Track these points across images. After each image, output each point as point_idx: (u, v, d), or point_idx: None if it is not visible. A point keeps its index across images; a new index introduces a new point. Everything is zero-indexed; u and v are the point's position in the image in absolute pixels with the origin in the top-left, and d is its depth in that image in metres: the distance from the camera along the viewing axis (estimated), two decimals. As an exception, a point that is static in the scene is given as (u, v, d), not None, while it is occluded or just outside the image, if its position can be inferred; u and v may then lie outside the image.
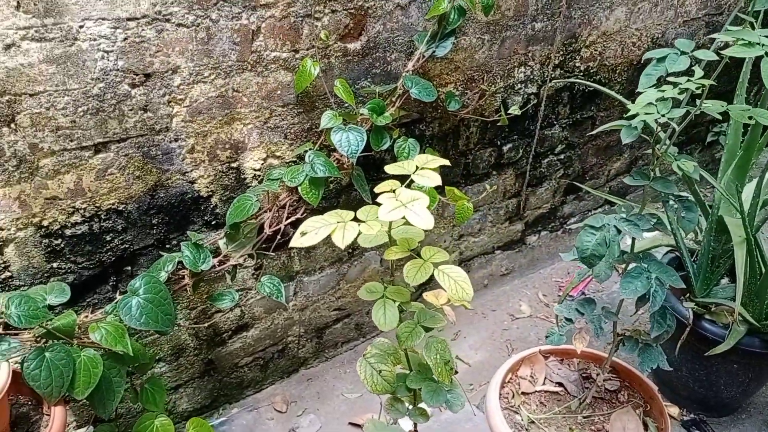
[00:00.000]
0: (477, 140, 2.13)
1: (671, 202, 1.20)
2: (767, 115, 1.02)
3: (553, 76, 2.18)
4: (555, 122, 2.34)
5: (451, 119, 1.99)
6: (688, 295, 1.78)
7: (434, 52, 1.69)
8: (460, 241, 2.33)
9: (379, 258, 2.10)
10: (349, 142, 1.52)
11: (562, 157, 2.46)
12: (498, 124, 2.03)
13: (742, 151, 1.72)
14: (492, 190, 1.89)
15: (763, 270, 1.55)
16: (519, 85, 2.11)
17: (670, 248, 1.90)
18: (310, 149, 1.59)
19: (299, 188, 1.53)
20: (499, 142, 2.20)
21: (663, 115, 1.04)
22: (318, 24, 1.56)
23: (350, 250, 2.03)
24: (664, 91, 1.01)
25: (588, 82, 2.05)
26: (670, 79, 1.02)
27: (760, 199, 1.55)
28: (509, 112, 1.94)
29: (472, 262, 2.44)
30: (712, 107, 1.03)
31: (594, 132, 1.41)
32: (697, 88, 1.00)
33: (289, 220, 1.59)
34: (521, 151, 2.29)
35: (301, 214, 1.60)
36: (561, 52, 2.16)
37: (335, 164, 1.59)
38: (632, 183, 1.16)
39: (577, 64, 2.24)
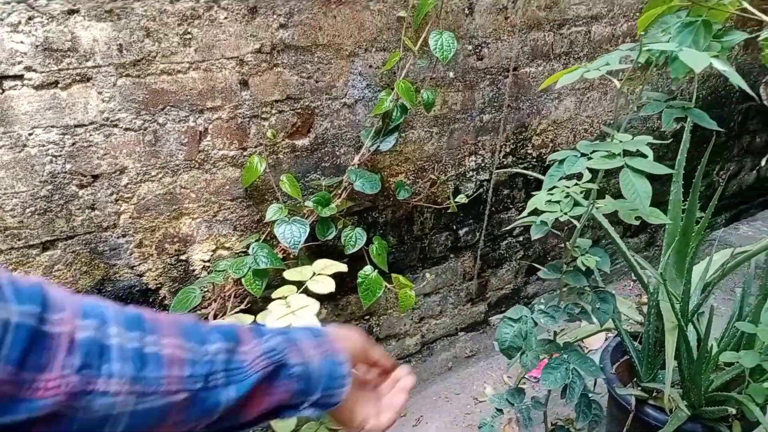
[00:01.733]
0: (432, 225, 2.19)
1: (586, 294, 1.25)
2: (657, 214, 1.08)
3: (505, 163, 2.27)
4: (511, 206, 2.41)
5: (404, 206, 2.06)
6: (635, 380, 1.80)
7: (379, 147, 1.78)
8: (421, 324, 2.36)
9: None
10: (292, 234, 1.59)
11: (521, 239, 2.52)
12: (449, 210, 2.10)
13: (680, 236, 1.78)
14: (431, 279, 1.94)
15: (695, 356, 1.57)
16: (470, 173, 2.19)
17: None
18: (256, 241, 1.65)
19: (243, 280, 1.59)
20: (454, 227, 2.26)
21: (566, 213, 1.11)
22: (265, 123, 1.65)
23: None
24: (552, 194, 1.08)
25: (529, 172, 2.13)
26: (560, 183, 1.09)
27: (692, 285, 1.59)
28: (457, 200, 2.01)
29: (435, 345, 2.45)
30: (604, 207, 1.10)
31: (508, 228, 1.46)
32: (581, 192, 1.07)
33: (234, 311, 1.63)
34: (478, 234, 2.35)
35: (246, 305, 1.65)
36: (512, 141, 2.25)
37: (281, 255, 1.65)
38: (545, 276, 1.21)
39: (529, 151, 2.33)
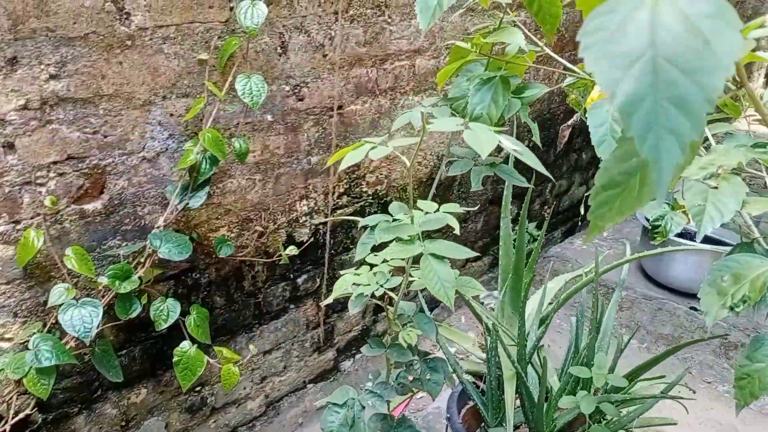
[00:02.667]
0: (266, 278, 2.02)
1: (415, 366, 1.15)
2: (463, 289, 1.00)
3: (340, 204, 2.16)
4: (351, 245, 2.30)
5: (230, 262, 1.88)
6: (482, 425, 1.74)
7: (188, 204, 1.58)
8: (264, 384, 2.17)
9: None
10: (82, 320, 1.35)
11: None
12: (281, 262, 1.94)
13: (512, 273, 1.75)
14: (255, 352, 1.78)
15: (536, 400, 1.54)
16: (303, 218, 2.05)
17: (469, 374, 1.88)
18: (39, 331, 1.39)
19: (24, 380, 1.32)
20: (292, 276, 2.11)
21: (381, 286, 0.99)
22: (42, 190, 1.40)
23: None
24: (359, 275, 0.97)
25: (359, 219, 2.03)
26: (370, 258, 0.98)
27: (528, 321, 1.56)
28: (287, 251, 1.86)
29: (281, 403, 2.27)
30: (419, 281, 1.00)
31: (328, 301, 1.37)
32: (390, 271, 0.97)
33: (16, 418, 1.36)
34: (318, 280, 2.21)
35: (31, 409, 1.38)
36: (345, 181, 2.14)
37: (74, 344, 1.40)
38: (368, 353, 1.10)
39: (364, 189, 2.24)
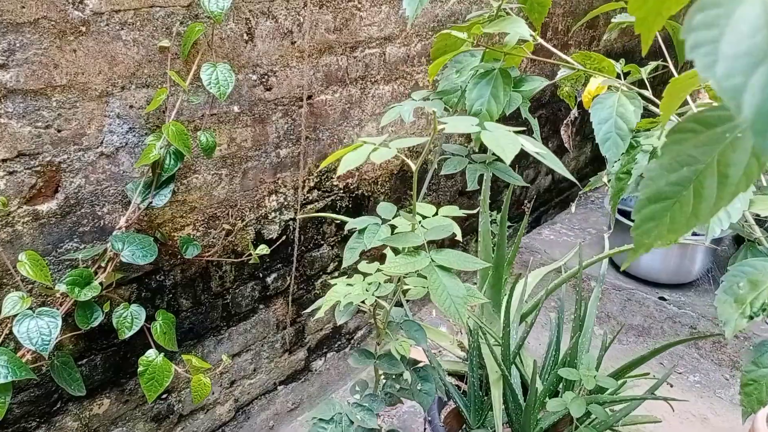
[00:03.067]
0: (234, 278, 1.92)
1: (404, 376, 1.09)
2: (475, 294, 0.94)
3: (310, 198, 2.07)
4: (322, 241, 2.22)
5: (197, 262, 1.78)
6: (464, 426, 1.69)
7: (151, 203, 1.48)
8: (233, 387, 2.08)
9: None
10: (39, 332, 1.24)
11: (336, 275, 2.34)
12: (251, 261, 1.85)
13: (493, 271, 1.70)
14: (228, 363, 1.69)
15: (522, 403, 1.49)
16: (273, 214, 1.96)
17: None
18: (-9, 345, 1.27)
19: (-25, 399, 1.21)
20: (261, 274, 2.02)
21: (372, 294, 0.92)
22: (-10, 190, 1.28)
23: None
24: (352, 285, 0.90)
25: (334, 215, 1.95)
26: (363, 266, 0.91)
27: (511, 327, 1.51)
28: (258, 251, 1.77)
29: (251, 406, 2.19)
30: (415, 291, 0.94)
31: (316, 316, 1.29)
32: (386, 280, 0.90)
33: (-34, 441, 1.24)
34: (288, 278, 2.13)
35: (-17, 431, 1.26)
36: (315, 174, 2.06)
37: (31, 357, 1.29)
38: (356, 364, 1.03)
39: (335, 183, 2.16)
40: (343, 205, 2.22)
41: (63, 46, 1.29)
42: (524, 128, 0.79)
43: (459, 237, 0.84)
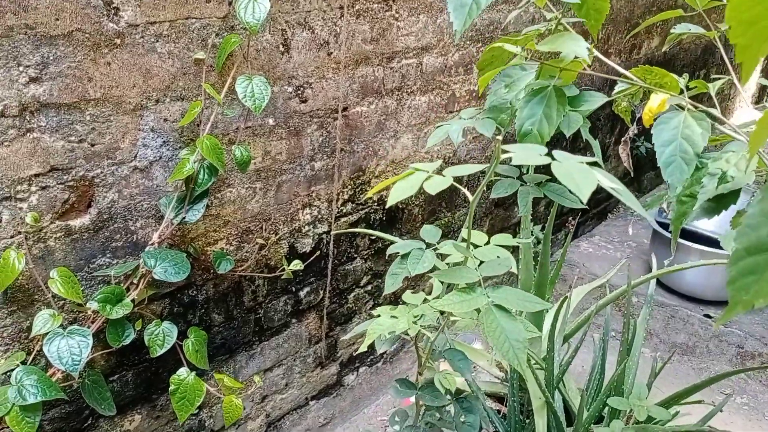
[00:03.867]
0: (267, 292, 1.89)
1: (447, 408, 1.03)
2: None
3: (344, 211, 2.03)
4: (356, 255, 2.17)
5: (230, 277, 1.74)
6: (503, 452, 1.62)
7: (185, 218, 1.44)
8: (264, 403, 2.04)
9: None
10: (69, 351, 1.21)
11: (369, 288, 2.29)
12: (283, 276, 1.81)
13: (535, 290, 1.63)
14: (260, 384, 1.65)
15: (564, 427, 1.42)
16: (306, 227, 1.92)
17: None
18: (22, 363, 1.25)
19: (7, 418, 1.18)
20: (294, 288, 1.98)
21: (415, 323, 0.87)
22: (23, 206, 1.26)
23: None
24: (396, 317, 0.85)
25: (370, 231, 1.90)
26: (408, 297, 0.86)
27: (555, 351, 1.44)
28: (291, 266, 1.73)
29: (282, 422, 2.15)
30: (462, 323, 0.88)
31: (362, 348, 1.24)
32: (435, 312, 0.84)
33: (-4, 461, 1.22)
34: (321, 292, 2.08)
35: (14, 451, 1.24)
36: (349, 187, 2.01)
37: (61, 376, 1.26)
38: (398, 396, 0.97)
39: (369, 195, 2.11)
40: (377, 218, 2.17)
41: (97, 58, 1.27)
42: (592, 158, 0.72)
43: (514, 269, 0.78)
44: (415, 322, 0.83)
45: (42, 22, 1.17)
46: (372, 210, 2.14)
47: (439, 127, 0.88)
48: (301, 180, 1.83)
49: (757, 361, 2.50)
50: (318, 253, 1.98)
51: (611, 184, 0.65)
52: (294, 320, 2.03)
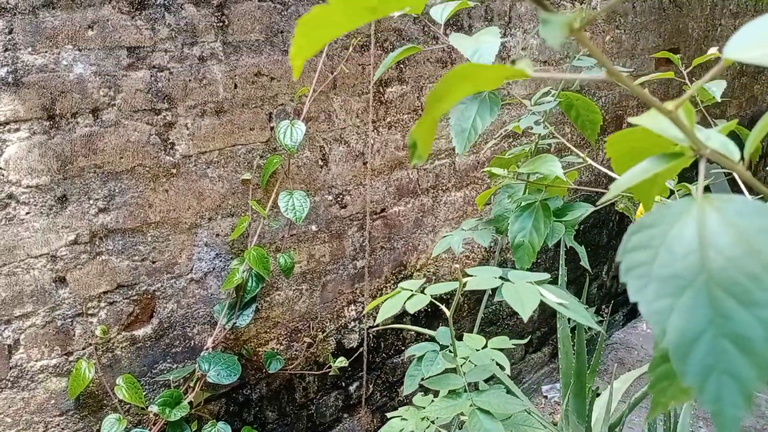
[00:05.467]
0: (317, 388, 1.97)
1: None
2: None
3: (388, 306, 2.12)
4: (403, 347, 2.24)
5: (281, 375, 1.84)
6: None
7: (236, 323, 1.58)
8: (320, 499, 2.08)
9: None
10: (132, 453, 1.33)
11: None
12: (330, 373, 1.90)
13: (575, 379, 1.65)
14: None
15: None
16: (352, 323, 2.02)
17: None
18: (91, 466, 1.37)
19: None
20: (343, 383, 2.06)
21: (432, 422, 0.94)
22: (93, 320, 1.42)
23: None
24: (406, 420, 0.92)
25: (408, 327, 1.98)
26: (418, 400, 0.94)
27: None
28: (336, 363, 1.82)
29: None
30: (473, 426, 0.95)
31: None
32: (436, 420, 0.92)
33: None
34: (371, 385, 2.15)
35: None
36: (392, 282, 2.12)
37: (125, 476, 1.37)
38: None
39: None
40: (422, 310, 2.25)
41: (156, 187, 1.46)
42: (544, 276, 0.81)
43: (508, 371, 0.85)
44: (424, 424, 0.90)
45: (108, 161, 1.37)
46: (416, 303, 2.22)
47: (443, 238, 0.98)
48: (345, 278, 1.95)
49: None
50: (365, 347, 2.06)
51: (557, 300, 0.73)
52: (346, 415, 2.09)
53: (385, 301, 0.88)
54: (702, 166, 0.36)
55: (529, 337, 2.78)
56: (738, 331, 0.30)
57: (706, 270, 0.31)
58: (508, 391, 1.56)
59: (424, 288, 0.86)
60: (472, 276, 0.73)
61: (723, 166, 0.39)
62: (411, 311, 0.84)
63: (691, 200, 0.34)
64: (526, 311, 0.67)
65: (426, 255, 2.21)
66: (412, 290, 0.87)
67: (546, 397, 2.93)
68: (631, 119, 0.42)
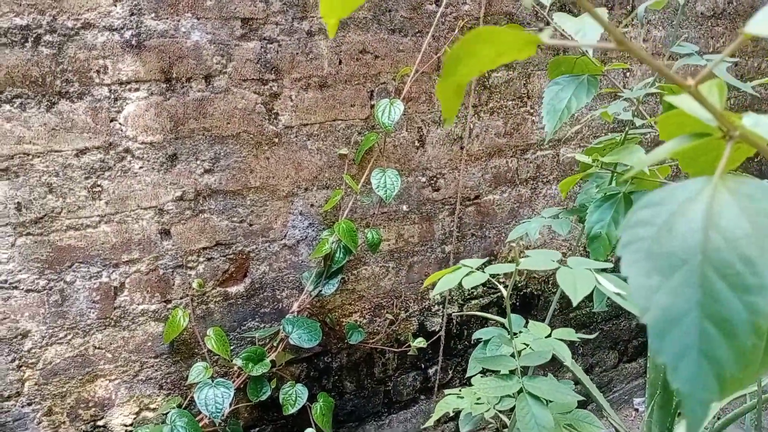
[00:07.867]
0: (396, 366, 2.00)
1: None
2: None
3: (474, 293, 2.11)
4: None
5: (361, 348, 1.89)
6: None
7: (321, 291, 1.63)
8: (390, 475, 2.11)
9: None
10: (215, 400, 1.42)
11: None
12: (410, 353, 1.92)
13: (661, 391, 1.57)
14: None
15: None
16: (436, 307, 2.03)
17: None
18: (178, 406, 1.48)
19: (160, 453, 1.40)
20: (423, 365, 2.07)
21: (494, 407, 0.94)
22: (192, 273, 1.52)
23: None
24: (462, 397, 0.92)
25: (491, 316, 1.96)
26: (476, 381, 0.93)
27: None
28: (416, 343, 1.84)
29: (407, 497, 2.20)
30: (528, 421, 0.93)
31: (429, 424, 1.29)
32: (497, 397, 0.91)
33: (150, 489, 1.44)
34: (451, 372, 2.15)
35: (163, 482, 1.45)
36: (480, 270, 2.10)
37: (208, 421, 1.47)
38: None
39: (500, 279, 2.17)
40: (509, 302, 2.22)
41: (258, 154, 1.53)
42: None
43: (568, 362, 0.82)
44: (479, 403, 0.89)
45: (216, 125, 1.45)
46: (502, 295, 2.19)
47: (520, 225, 0.97)
48: (432, 261, 1.96)
49: None
50: (447, 333, 2.07)
51: (614, 289, 0.70)
52: (423, 397, 2.11)
53: (444, 276, 0.88)
54: (728, 147, 0.34)
55: (624, 345, 2.67)
56: (723, 314, 0.28)
57: (705, 250, 0.30)
58: (586, 392, 1.51)
59: (485, 267, 0.85)
60: (526, 258, 0.72)
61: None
62: (467, 287, 0.84)
63: (707, 180, 0.32)
64: (577, 295, 0.65)
65: (519, 247, 2.17)
66: (471, 267, 0.87)
67: (637, 410, 2.79)
68: (668, 98, 0.40)
